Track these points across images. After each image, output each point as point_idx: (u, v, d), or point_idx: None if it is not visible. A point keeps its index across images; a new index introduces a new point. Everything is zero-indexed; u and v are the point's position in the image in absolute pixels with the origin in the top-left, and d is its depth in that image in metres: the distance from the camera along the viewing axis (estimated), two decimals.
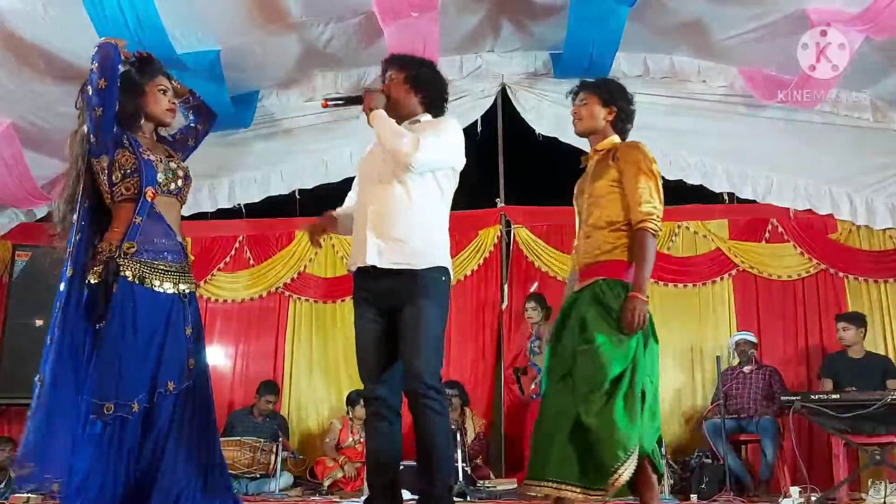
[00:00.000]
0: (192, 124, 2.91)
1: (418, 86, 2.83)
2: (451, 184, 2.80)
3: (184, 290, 2.60)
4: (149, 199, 2.54)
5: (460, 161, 2.81)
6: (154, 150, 2.67)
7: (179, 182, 2.67)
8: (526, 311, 5.86)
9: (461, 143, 2.80)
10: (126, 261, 2.48)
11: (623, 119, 2.85)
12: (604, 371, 2.49)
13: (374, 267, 2.66)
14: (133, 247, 2.49)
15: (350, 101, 2.89)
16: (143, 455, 2.42)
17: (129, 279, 2.46)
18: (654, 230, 2.62)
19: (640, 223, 2.61)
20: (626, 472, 2.41)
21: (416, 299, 2.61)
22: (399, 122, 2.74)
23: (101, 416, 2.33)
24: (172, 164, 2.67)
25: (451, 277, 2.76)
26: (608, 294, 2.60)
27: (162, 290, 2.53)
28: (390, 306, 2.67)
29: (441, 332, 2.68)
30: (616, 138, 2.83)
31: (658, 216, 2.63)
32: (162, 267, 2.54)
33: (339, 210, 2.99)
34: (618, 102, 2.84)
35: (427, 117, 2.84)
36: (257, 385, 6.17)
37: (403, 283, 2.62)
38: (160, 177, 2.59)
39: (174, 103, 2.76)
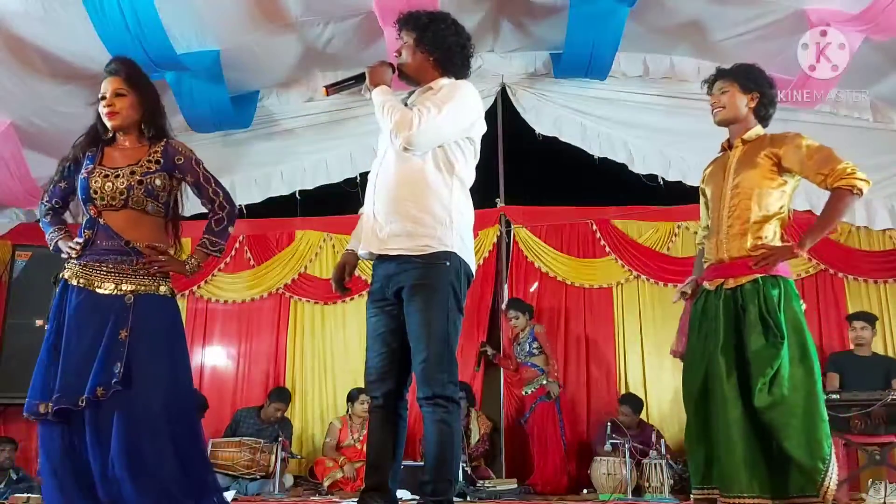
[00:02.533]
0: (211, 205, 2.93)
1: (431, 47, 2.55)
2: (465, 154, 2.53)
3: (126, 291, 2.48)
4: (93, 215, 2.55)
5: (473, 130, 2.55)
6: (114, 160, 2.58)
7: (122, 197, 2.51)
8: (510, 321, 5.85)
9: (471, 109, 2.53)
10: (71, 263, 2.53)
11: (766, 104, 2.74)
12: (814, 371, 2.47)
13: (370, 253, 2.51)
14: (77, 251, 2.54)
15: (351, 81, 2.60)
16: (98, 461, 2.32)
17: (68, 280, 2.50)
18: (851, 186, 2.46)
19: (839, 180, 2.47)
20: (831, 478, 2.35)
21: (417, 292, 2.39)
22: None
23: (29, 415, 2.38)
24: (117, 176, 2.52)
25: (468, 263, 2.48)
26: (778, 293, 2.54)
27: (103, 292, 2.48)
28: (392, 298, 2.46)
29: (447, 329, 2.39)
30: (760, 129, 2.75)
31: (857, 170, 2.47)
32: (103, 269, 2.50)
33: (354, 234, 2.73)
34: (760, 87, 2.72)
35: (443, 82, 2.56)
36: (259, 386, 6.18)
37: (402, 272, 2.42)
38: (94, 194, 2.53)
39: (111, 104, 2.55)
